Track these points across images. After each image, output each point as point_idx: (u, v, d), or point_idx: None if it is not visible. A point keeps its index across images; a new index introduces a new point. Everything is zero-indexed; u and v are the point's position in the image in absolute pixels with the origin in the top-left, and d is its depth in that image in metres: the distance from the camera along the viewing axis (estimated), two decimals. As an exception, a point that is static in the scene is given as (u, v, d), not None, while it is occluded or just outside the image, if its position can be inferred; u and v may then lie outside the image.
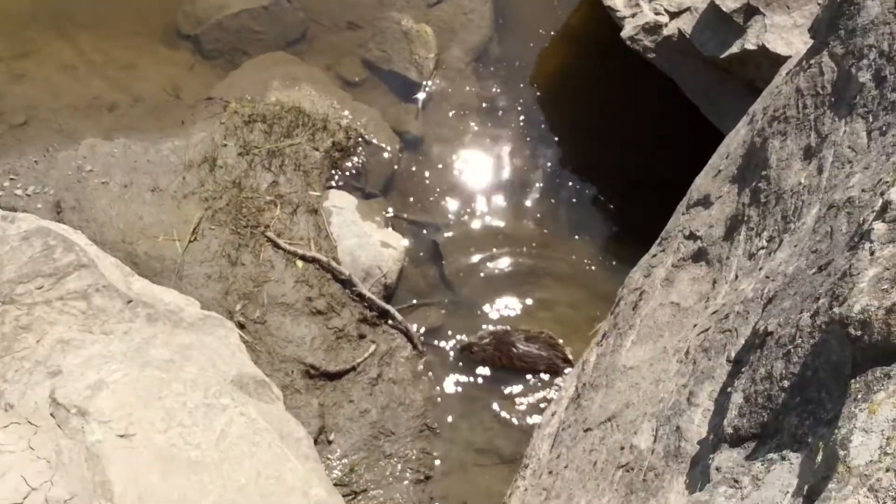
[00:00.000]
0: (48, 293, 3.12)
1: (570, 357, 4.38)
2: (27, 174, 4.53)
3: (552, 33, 5.56)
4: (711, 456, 1.37)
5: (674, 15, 4.31)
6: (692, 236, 2.38)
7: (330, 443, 4.06)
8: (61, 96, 4.96)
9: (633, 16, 4.44)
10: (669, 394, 1.78)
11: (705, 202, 2.42)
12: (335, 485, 3.86)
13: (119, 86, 5.10)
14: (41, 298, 3.09)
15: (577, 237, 4.96)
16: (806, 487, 1.09)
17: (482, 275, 4.77)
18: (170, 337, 3.04)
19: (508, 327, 4.50)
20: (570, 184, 5.13)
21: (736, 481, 1.21)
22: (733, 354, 1.59)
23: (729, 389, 1.46)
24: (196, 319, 3.26)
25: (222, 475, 2.52)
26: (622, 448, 1.84)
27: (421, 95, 5.22)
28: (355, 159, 4.96)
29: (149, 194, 4.51)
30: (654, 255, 2.61)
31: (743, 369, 1.44)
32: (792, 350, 1.30)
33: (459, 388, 4.38)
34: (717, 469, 1.30)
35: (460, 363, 4.44)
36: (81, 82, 5.04)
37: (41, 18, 5.12)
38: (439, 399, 4.32)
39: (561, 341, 4.46)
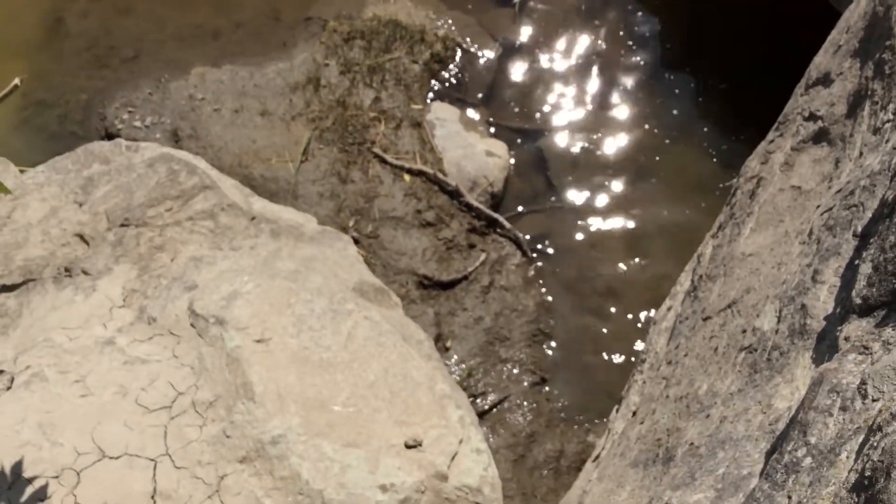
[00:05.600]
0: (177, 214, 3.31)
1: None
2: (144, 106, 4.74)
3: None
4: (839, 328, 1.36)
5: None
6: (812, 117, 2.28)
7: (447, 349, 4.19)
8: (166, 27, 5.12)
9: None
10: (792, 275, 1.75)
11: (825, 80, 2.31)
12: (455, 387, 4.02)
13: (220, 12, 5.21)
14: (171, 220, 3.29)
15: (687, 134, 4.82)
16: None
17: (589, 178, 4.73)
18: (293, 250, 3.18)
19: None
20: (680, 80, 4.96)
21: (866, 348, 1.21)
22: (860, 229, 1.55)
23: (857, 262, 1.43)
24: (315, 233, 3.39)
25: (353, 373, 2.67)
26: (744, 331, 1.83)
27: (518, -1, 5.11)
28: (455, 69, 4.94)
29: (259, 118, 4.65)
30: (772, 141, 2.53)
31: (871, 241, 1.40)
32: (925, 215, 1.25)
33: (571, 293, 4.41)
34: (846, 339, 1.30)
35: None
36: (183, 12, 5.18)
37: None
38: (551, 304, 4.37)
39: None
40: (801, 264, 1.73)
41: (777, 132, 2.51)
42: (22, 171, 3.99)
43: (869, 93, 2.02)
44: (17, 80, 4.05)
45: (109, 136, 4.70)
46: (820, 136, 2.21)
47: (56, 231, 3.47)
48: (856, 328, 1.31)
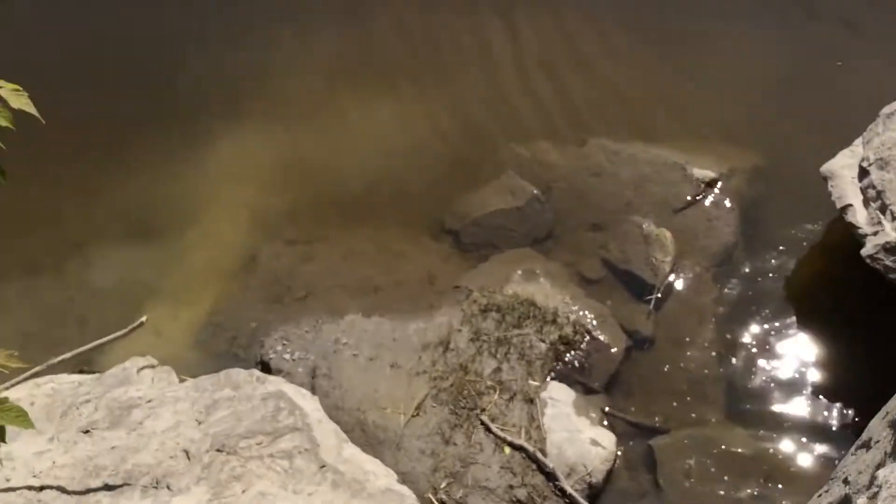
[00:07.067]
0: (263, 449, 3.65)
1: None
2: (297, 341, 5.31)
3: (803, 245, 5.37)
4: None
5: (916, 233, 4.02)
6: None
7: None
8: (337, 277, 5.80)
9: (875, 234, 4.21)
10: None
11: None
12: None
13: (386, 270, 5.83)
14: (256, 453, 3.63)
15: (809, 464, 4.55)
16: None
17: (704, 491, 4.52)
18: (345, 504, 3.37)
19: None
20: (807, 405, 4.76)
21: None
22: None
23: None
24: (377, 491, 3.56)
25: None
26: None
27: (654, 296, 5.27)
28: (580, 354, 5.09)
29: (388, 369, 5.03)
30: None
31: None
32: None
33: None
34: None
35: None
36: (356, 266, 5.86)
37: (331, 214, 6.12)
38: None
39: None
40: None
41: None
42: (182, 381, 4.58)
43: None
44: (143, 319, 4.81)
45: (264, 364, 5.27)
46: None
47: (171, 444, 3.92)
48: None
